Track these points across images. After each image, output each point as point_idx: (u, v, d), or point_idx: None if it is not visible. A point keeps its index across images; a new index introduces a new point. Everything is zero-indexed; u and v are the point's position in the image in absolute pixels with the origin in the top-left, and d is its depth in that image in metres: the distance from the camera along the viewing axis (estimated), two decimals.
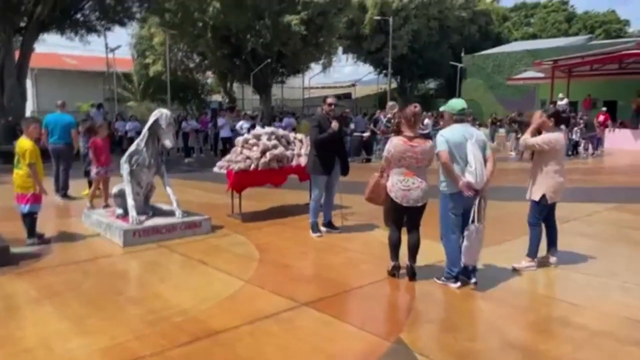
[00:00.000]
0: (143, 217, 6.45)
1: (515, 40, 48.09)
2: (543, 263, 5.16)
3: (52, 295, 4.39)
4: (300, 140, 8.09)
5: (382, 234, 6.49)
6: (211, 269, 5.12)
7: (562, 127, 5.25)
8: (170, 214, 6.73)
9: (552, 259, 5.21)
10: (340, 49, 39.56)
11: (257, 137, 7.54)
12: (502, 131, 23.77)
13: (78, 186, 9.24)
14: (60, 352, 3.36)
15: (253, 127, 16.55)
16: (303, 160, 7.68)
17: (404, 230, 4.83)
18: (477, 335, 3.63)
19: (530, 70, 32.01)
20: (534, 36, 50.93)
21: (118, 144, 17.41)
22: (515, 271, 5.00)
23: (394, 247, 4.84)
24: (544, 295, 4.48)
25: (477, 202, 4.44)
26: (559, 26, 53.21)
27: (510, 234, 6.19)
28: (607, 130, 20.84)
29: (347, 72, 75.95)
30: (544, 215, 5.17)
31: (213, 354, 3.36)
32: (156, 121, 6.44)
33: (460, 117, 4.59)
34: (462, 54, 39.62)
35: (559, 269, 5.07)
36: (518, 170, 12.73)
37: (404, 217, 4.78)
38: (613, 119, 22.76)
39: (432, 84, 49.67)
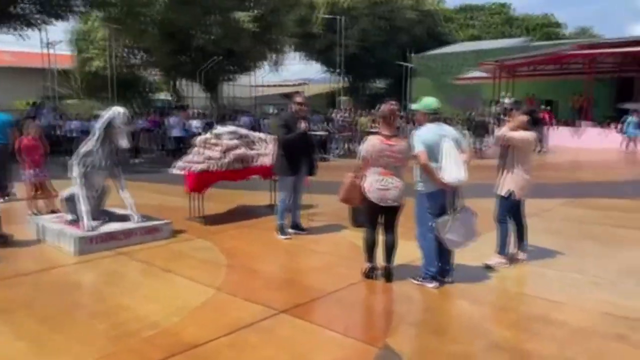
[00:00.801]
0: (96, 223, 6.04)
1: (461, 41, 49.47)
2: (512, 259, 5.21)
3: (2, 313, 3.99)
4: (264, 140, 7.86)
5: (351, 235, 6.39)
6: (177, 277, 4.82)
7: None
8: (126, 218, 6.34)
9: (522, 255, 5.27)
10: (291, 48, 39.35)
11: (218, 137, 7.25)
12: None
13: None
14: None
15: (209, 125, 16.13)
16: (267, 160, 7.47)
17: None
18: (462, 337, 3.56)
19: (476, 71, 33.08)
20: (477, 37, 52.54)
21: (59, 144, 16.43)
22: (488, 268, 5.01)
23: (370, 248, 4.73)
24: (520, 293, 4.50)
25: (448, 197, 4.41)
26: (501, 28, 55.17)
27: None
28: (549, 128, 21.71)
29: (295, 70, 75.33)
30: (512, 212, 5.22)
31: None
32: (112, 120, 6.04)
33: (435, 116, 4.54)
34: (411, 54, 40.35)
35: (530, 266, 5.13)
36: (477, 167, 12.97)
37: (379, 218, 4.68)
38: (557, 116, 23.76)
39: (381, 84, 50.29)
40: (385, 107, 4.58)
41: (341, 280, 4.69)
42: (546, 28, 55.00)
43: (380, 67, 44.20)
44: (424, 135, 4.42)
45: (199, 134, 15.54)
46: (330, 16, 36.74)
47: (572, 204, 8.47)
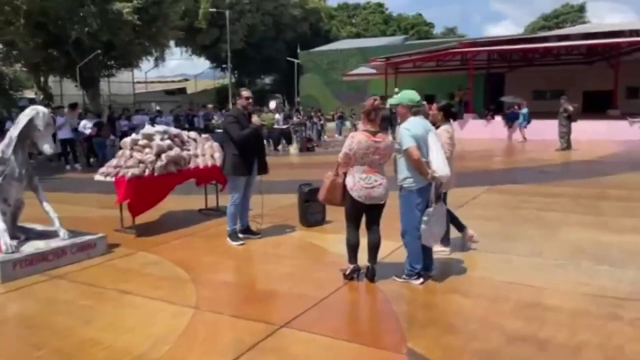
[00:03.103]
0: (15, 242, 5.12)
1: (343, 38, 50.96)
2: (463, 246, 5.36)
3: None
4: (195, 139, 7.28)
5: (306, 235, 6.20)
6: (141, 299, 4.22)
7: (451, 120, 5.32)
8: (48, 235, 5.49)
9: (470, 235, 5.39)
10: (172, 42, 37.52)
11: (149, 137, 6.55)
12: (348, 124, 24.98)
13: None
14: None
15: (99, 125, 14.72)
16: (200, 161, 6.93)
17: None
18: (478, 334, 3.51)
19: (363, 67, 34.27)
20: (357, 35, 54.54)
21: None
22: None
23: (353, 248, 4.53)
24: (501, 281, 4.51)
25: (432, 188, 4.37)
26: (379, 27, 57.88)
27: None
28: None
29: (173, 66, 72.28)
30: None
31: None
32: (31, 121, 5.14)
33: (417, 109, 4.47)
34: (298, 50, 40.67)
35: (493, 253, 5.28)
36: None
37: (362, 217, 4.51)
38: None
39: (267, 80, 50.18)
40: (368, 102, 4.40)
41: (325, 285, 4.44)
42: (418, 27, 58.72)
43: (267, 63, 44.06)
44: (413, 129, 4.31)
45: (92, 135, 14.22)
46: (216, 10, 35.67)
47: (492, 190, 9.02)
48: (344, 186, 4.40)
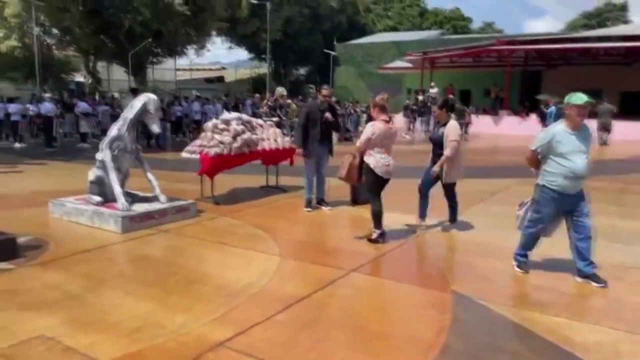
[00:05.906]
0: (127, 203, 6.30)
1: (379, 31, 51.52)
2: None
3: (102, 282, 4.32)
4: (261, 125, 8.38)
5: (358, 211, 7.26)
6: (236, 249, 5.33)
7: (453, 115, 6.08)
8: (149, 199, 6.67)
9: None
10: (214, 32, 38.91)
11: (227, 122, 7.67)
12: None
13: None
14: (174, 327, 3.47)
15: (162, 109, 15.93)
16: (266, 144, 8.03)
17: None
18: (509, 284, 4.51)
19: (398, 60, 34.95)
20: (393, 28, 54.95)
21: None
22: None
23: (380, 216, 5.53)
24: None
25: None
26: (414, 20, 58.05)
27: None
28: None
29: (209, 55, 74.33)
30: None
31: (319, 313, 3.75)
32: (144, 106, 6.31)
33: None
34: (335, 42, 41.49)
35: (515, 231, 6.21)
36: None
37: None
38: (468, 106, 25.90)
39: (302, 70, 51.20)
40: (379, 97, 5.57)
41: (379, 247, 5.46)
42: (455, 21, 58.63)
43: (303, 54, 45.07)
44: None
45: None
46: (257, 1, 36.70)
47: (522, 182, 9.84)
48: (360, 167, 5.42)
